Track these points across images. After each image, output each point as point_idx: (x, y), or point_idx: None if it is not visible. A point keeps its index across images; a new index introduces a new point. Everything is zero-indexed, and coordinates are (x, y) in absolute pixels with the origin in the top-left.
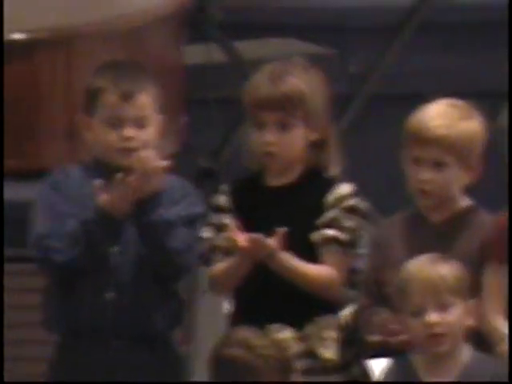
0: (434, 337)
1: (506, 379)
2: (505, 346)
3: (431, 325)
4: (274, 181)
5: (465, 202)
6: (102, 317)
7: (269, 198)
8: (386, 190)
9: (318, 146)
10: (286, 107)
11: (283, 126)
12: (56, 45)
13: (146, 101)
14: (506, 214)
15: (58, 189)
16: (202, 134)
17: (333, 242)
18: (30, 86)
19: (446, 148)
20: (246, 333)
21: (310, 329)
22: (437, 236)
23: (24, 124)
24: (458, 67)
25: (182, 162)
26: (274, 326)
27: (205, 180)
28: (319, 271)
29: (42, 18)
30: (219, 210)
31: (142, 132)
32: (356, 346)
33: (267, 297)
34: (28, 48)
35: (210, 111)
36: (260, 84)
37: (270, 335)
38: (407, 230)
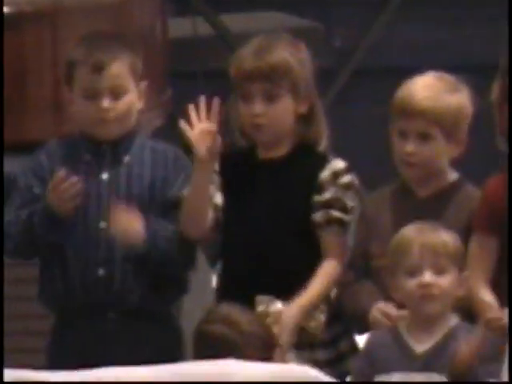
0: (427, 297)
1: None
2: (489, 315)
3: (426, 285)
4: (265, 154)
5: (452, 175)
6: (95, 292)
7: (261, 171)
8: (371, 163)
9: (306, 120)
10: (273, 78)
11: (270, 98)
12: (41, 18)
13: (120, 70)
14: (490, 182)
15: (38, 170)
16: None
17: (336, 222)
18: (15, 58)
19: (432, 120)
20: (229, 308)
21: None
22: (423, 209)
23: (11, 97)
24: (446, 40)
25: (168, 134)
26: (263, 298)
27: (190, 152)
28: (327, 276)
29: None
30: None
31: (120, 102)
32: (344, 321)
33: (256, 270)
34: (14, 21)
35: (196, 84)
36: (246, 56)
37: (258, 307)
38: (394, 203)
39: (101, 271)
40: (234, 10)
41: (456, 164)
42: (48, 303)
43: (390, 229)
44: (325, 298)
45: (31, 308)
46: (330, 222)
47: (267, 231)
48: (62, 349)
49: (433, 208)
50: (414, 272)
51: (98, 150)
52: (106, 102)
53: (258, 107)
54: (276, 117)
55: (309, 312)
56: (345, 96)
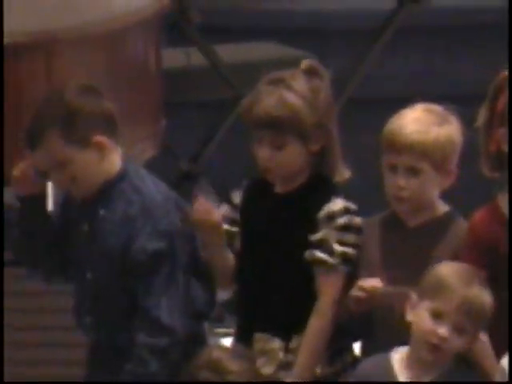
0: (437, 350)
1: None
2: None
3: (442, 338)
4: (280, 188)
5: (442, 207)
6: (83, 296)
7: (271, 203)
8: (363, 193)
9: (321, 154)
10: (278, 128)
11: (277, 145)
12: (36, 49)
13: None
14: (476, 215)
15: None
16: (182, 137)
17: (320, 264)
18: (10, 89)
19: (420, 154)
20: (220, 354)
21: (297, 341)
22: (412, 240)
23: (5, 127)
24: (438, 71)
25: (162, 165)
26: (262, 336)
27: (185, 183)
28: (317, 330)
29: (21, 21)
30: (233, 205)
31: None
32: (343, 359)
33: (257, 306)
34: (8, 52)
35: (189, 115)
36: (254, 101)
37: (256, 345)
38: (383, 232)
39: (88, 319)
40: (228, 40)
41: (446, 195)
42: None
43: (378, 258)
44: (318, 353)
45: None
46: (314, 262)
47: (272, 268)
48: None
49: (421, 239)
50: (439, 318)
51: (81, 203)
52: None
53: (266, 153)
54: (283, 162)
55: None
56: (340, 125)
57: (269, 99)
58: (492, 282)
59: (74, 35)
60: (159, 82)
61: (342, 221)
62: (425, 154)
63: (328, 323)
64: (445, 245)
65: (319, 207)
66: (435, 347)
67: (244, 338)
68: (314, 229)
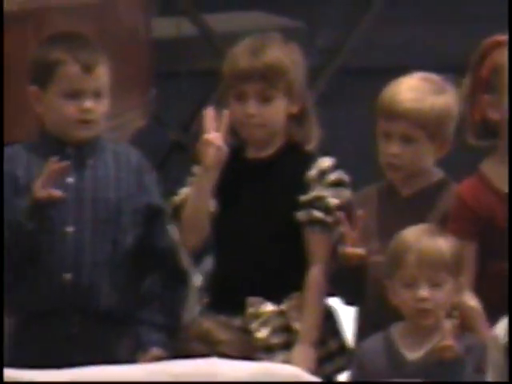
0: (423, 311)
1: (478, 352)
2: (443, 342)
3: (422, 300)
4: (254, 153)
5: (436, 175)
6: (61, 297)
7: (249, 170)
8: (356, 163)
9: (297, 119)
10: (268, 78)
11: (265, 98)
12: (26, 17)
13: (104, 72)
14: (464, 184)
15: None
16: (173, 107)
17: (318, 223)
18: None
19: (414, 122)
20: (210, 325)
21: (287, 303)
22: (408, 209)
23: None
24: (431, 40)
25: (152, 134)
26: (254, 300)
27: (175, 153)
28: (316, 291)
29: None
30: None
31: (99, 104)
32: (332, 321)
33: (246, 270)
34: None
35: (180, 84)
36: (241, 56)
37: (249, 309)
38: (379, 202)
39: (68, 276)
40: (218, 9)
41: (441, 163)
42: (10, 304)
43: (375, 227)
44: (321, 314)
45: None
46: (312, 221)
47: (254, 231)
48: (21, 351)
49: (416, 207)
50: (411, 283)
51: (62, 153)
52: (89, 103)
53: (253, 107)
54: (270, 117)
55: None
56: (328, 96)
57: (256, 51)
58: (485, 251)
59: (63, 3)
60: (149, 51)
61: (333, 176)
62: (419, 122)
63: (324, 280)
64: (439, 211)
65: (303, 169)
66: (423, 311)
67: (229, 304)
68: (302, 190)
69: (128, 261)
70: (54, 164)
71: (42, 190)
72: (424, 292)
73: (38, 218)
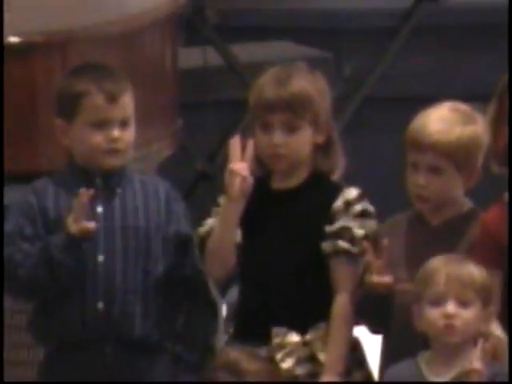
0: (450, 328)
1: (502, 381)
2: (471, 365)
3: (450, 315)
4: (280, 183)
5: (465, 205)
6: (94, 326)
7: (275, 200)
8: (382, 192)
9: (322, 149)
10: (294, 109)
11: (291, 128)
12: (51, 48)
13: (129, 101)
14: (489, 213)
15: (27, 210)
16: (199, 137)
17: (344, 253)
18: (26, 89)
19: (442, 153)
20: (238, 354)
21: (313, 334)
22: (436, 238)
23: (20, 127)
24: (458, 69)
25: (178, 165)
26: (279, 330)
27: (201, 183)
28: (342, 322)
29: (37, 21)
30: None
31: (126, 132)
32: (358, 351)
33: (271, 301)
34: (24, 51)
35: (206, 114)
36: (267, 86)
37: (275, 339)
38: (407, 231)
39: (100, 305)
40: (244, 39)
41: (470, 193)
42: (41, 334)
43: (403, 256)
44: (347, 344)
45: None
46: (338, 252)
47: (280, 262)
48: (54, 380)
49: (444, 236)
50: (438, 302)
51: (90, 183)
52: (116, 132)
53: (279, 137)
54: (296, 147)
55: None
56: (354, 125)
57: (282, 81)
58: (508, 281)
59: (89, 34)
60: (175, 81)
61: (359, 207)
62: (447, 153)
63: (352, 311)
64: (467, 242)
65: (328, 199)
66: (450, 327)
67: (257, 332)
68: (328, 220)
69: (159, 290)
70: (83, 196)
71: (75, 224)
72: (451, 308)
73: (74, 252)
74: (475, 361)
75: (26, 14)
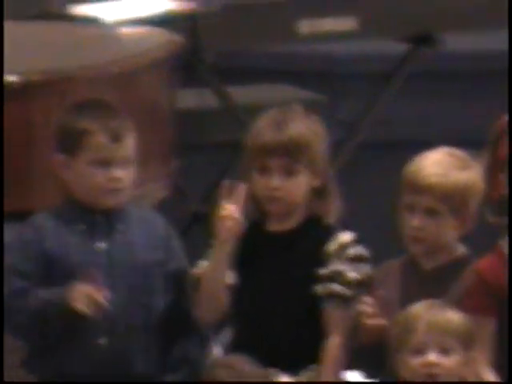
0: (431, 377)
1: None
2: None
3: (431, 365)
4: (275, 226)
5: (459, 250)
6: (96, 362)
7: (270, 243)
8: (377, 236)
9: (318, 193)
10: (292, 153)
11: (289, 172)
12: (49, 87)
13: (132, 141)
14: (483, 261)
15: (24, 247)
16: (194, 178)
17: (337, 296)
18: (23, 127)
19: (439, 197)
20: (237, 358)
21: (304, 376)
22: (430, 283)
23: (18, 165)
24: (454, 115)
25: (173, 206)
26: (271, 371)
27: (195, 225)
28: (334, 359)
29: (35, 60)
30: None
31: (128, 172)
32: None
33: (263, 342)
34: (21, 90)
35: (202, 156)
36: (264, 129)
37: (264, 379)
38: (401, 275)
39: (102, 341)
40: (240, 81)
41: (464, 239)
42: (38, 371)
43: (396, 301)
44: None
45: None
46: (330, 295)
47: (273, 304)
48: None
49: (438, 281)
50: (420, 350)
51: (91, 220)
52: (118, 172)
53: (277, 181)
54: (293, 191)
55: None
56: (348, 169)
57: (280, 125)
58: (503, 328)
59: (87, 74)
60: (172, 122)
61: (353, 251)
62: (443, 196)
63: (341, 353)
64: (459, 288)
65: (323, 242)
66: (431, 376)
67: None
68: (322, 264)
69: (160, 326)
70: (89, 276)
71: (79, 302)
72: (432, 357)
73: (71, 319)
74: None
75: (24, 52)
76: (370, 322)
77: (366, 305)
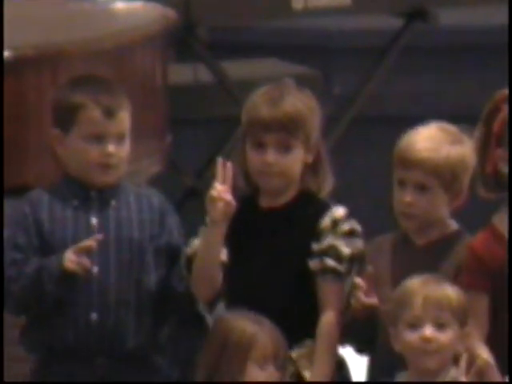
0: (427, 352)
1: None
2: (486, 373)
3: (427, 339)
4: (268, 202)
5: (451, 226)
6: (87, 338)
7: (263, 219)
8: (370, 212)
9: (311, 168)
10: (288, 128)
11: (285, 147)
12: (42, 62)
13: (126, 116)
14: (477, 237)
15: (21, 221)
16: (188, 153)
17: (330, 271)
18: (16, 103)
19: (430, 171)
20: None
21: (298, 351)
22: (422, 259)
23: (11, 141)
24: (446, 90)
25: (167, 181)
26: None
27: (190, 199)
28: (330, 334)
29: (28, 35)
30: None
31: (122, 147)
32: (343, 369)
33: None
34: (14, 65)
35: (195, 131)
36: (261, 106)
37: None
38: (393, 251)
39: (93, 316)
40: (234, 56)
41: (457, 215)
42: (33, 345)
43: (388, 276)
44: (332, 363)
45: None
46: (324, 270)
47: (267, 280)
48: None
49: (430, 257)
50: (415, 325)
51: (85, 196)
52: (111, 147)
53: (272, 156)
54: (288, 166)
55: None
56: (344, 144)
57: (276, 101)
58: (497, 304)
59: (80, 49)
60: (165, 97)
61: (346, 226)
62: (434, 171)
63: (338, 330)
64: (451, 263)
65: (316, 218)
66: (427, 351)
67: None
68: (315, 239)
69: (152, 301)
70: (92, 242)
71: (72, 261)
72: (429, 332)
73: (66, 284)
74: (461, 376)
75: (17, 28)
76: (362, 300)
77: (358, 280)
